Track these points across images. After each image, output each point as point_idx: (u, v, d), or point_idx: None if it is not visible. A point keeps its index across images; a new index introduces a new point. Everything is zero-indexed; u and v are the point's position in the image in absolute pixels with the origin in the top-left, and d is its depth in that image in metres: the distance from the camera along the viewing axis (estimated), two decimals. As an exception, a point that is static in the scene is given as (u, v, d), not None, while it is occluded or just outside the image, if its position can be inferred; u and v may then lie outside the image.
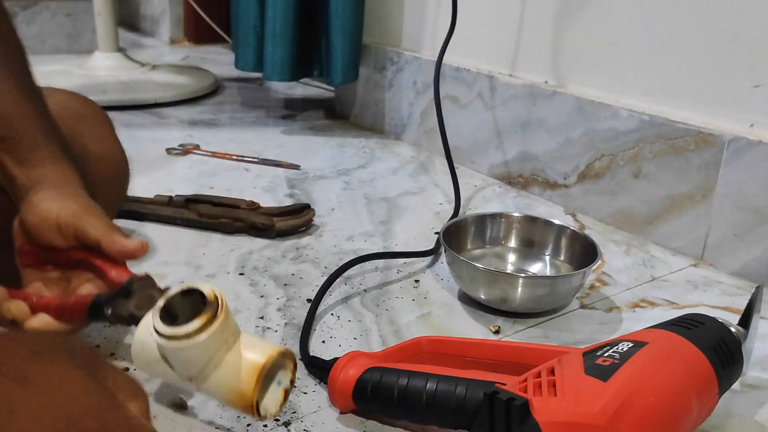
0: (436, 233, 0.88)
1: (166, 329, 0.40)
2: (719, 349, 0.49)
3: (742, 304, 0.73)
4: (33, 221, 0.52)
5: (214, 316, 0.41)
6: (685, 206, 0.84)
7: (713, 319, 0.52)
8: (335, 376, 0.53)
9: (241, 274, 0.76)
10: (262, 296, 0.71)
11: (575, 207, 0.98)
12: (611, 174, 0.92)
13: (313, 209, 0.89)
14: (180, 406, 0.54)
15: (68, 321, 0.50)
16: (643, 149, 0.87)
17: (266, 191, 1.01)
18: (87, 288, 0.53)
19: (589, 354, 0.48)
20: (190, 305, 0.42)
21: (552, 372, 0.46)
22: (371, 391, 0.51)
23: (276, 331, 0.65)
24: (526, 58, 1.04)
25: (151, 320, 0.42)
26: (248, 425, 0.52)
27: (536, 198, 1.03)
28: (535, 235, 0.79)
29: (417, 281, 0.76)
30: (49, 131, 0.58)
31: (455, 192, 0.97)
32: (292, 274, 0.76)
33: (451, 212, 0.94)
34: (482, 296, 0.70)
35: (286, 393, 0.44)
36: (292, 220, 0.86)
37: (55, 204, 0.52)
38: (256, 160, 1.13)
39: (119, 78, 1.55)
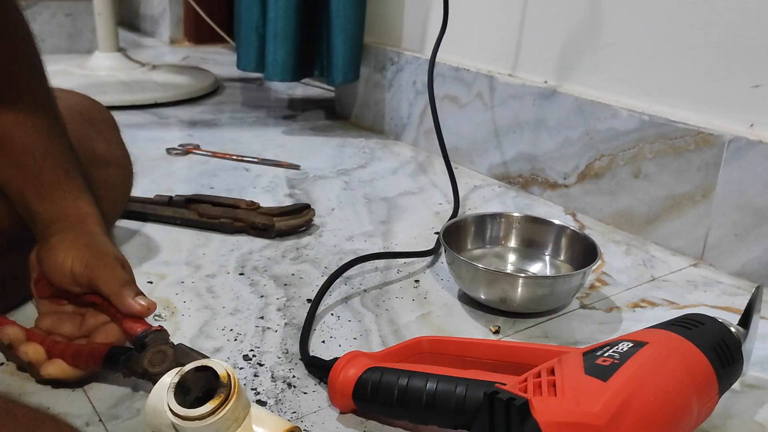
0: (436, 233, 0.88)
1: (180, 410, 0.43)
2: (719, 349, 0.49)
3: (742, 304, 0.73)
4: (49, 267, 0.54)
5: (227, 398, 0.43)
6: (685, 206, 0.84)
7: (713, 319, 0.52)
8: (335, 376, 0.53)
9: (241, 274, 0.76)
10: (262, 296, 0.71)
11: (575, 207, 0.98)
12: (611, 174, 0.92)
13: (313, 209, 0.89)
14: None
15: (82, 367, 0.53)
16: (643, 149, 0.87)
17: (266, 191, 1.01)
18: (102, 333, 0.55)
19: (589, 354, 0.48)
20: (202, 379, 0.45)
21: (552, 372, 0.46)
22: (371, 391, 0.51)
23: (276, 331, 0.65)
24: (526, 58, 1.04)
25: (165, 395, 0.44)
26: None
27: (536, 198, 1.03)
28: (535, 235, 0.79)
29: (417, 281, 0.76)
30: (71, 163, 0.60)
31: (454, 192, 0.97)
32: (292, 274, 0.76)
33: (451, 212, 0.94)
34: (482, 296, 0.70)
35: None
36: (292, 220, 0.86)
37: (70, 253, 0.53)
38: (256, 160, 1.13)
39: (119, 78, 1.55)
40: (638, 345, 0.48)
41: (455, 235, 0.77)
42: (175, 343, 0.50)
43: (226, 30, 1.99)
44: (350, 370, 0.52)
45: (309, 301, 0.70)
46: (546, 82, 1.01)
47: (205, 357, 0.48)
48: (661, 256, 0.85)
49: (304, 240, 0.85)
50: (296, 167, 1.11)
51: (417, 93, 1.22)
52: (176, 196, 0.90)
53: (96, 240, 0.56)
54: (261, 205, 0.89)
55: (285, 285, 0.74)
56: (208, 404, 0.42)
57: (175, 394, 0.43)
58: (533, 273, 0.77)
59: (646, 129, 0.86)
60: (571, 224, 0.89)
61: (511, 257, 0.80)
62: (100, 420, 0.52)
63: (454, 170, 0.99)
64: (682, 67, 0.84)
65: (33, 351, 0.51)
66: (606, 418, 0.41)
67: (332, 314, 0.68)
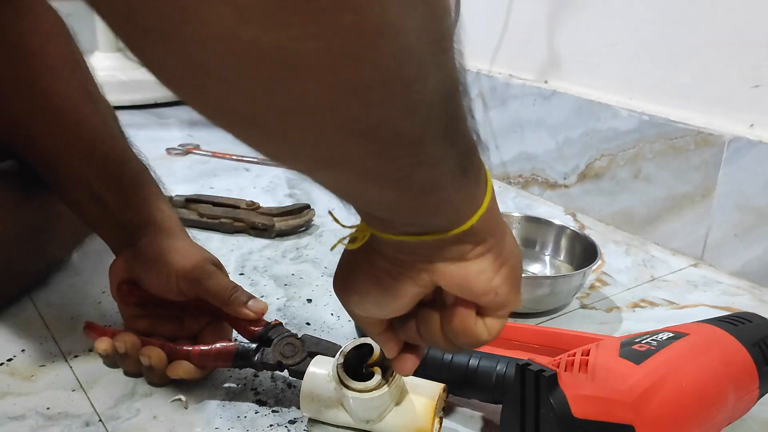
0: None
1: (358, 384, 0.47)
2: (764, 345, 0.49)
3: (742, 304, 0.73)
4: (151, 281, 0.55)
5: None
6: (685, 206, 0.84)
7: (762, 318, 0.53)
8: None
9: (241, 274, 0.76)
10: (262, 296, 0.71)
11: (575, 207, 0.98)
12: (611, 174, 0.92)
13: (313, 209, 0.89)
14: (180, 406, 0.54)
15: (209, 367, 0.55)
16: (643, 149, 0.87)
17: (266, 191, 1.01)
18: (211, 333, 0.57)
19: (628, 341, 0.49)
20: (357, 357, 0.49)
21: (587, 354, 0.47)
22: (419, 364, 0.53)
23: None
24: (526, 58, 1.04)
25: (322, 373, 0.50)
26: (248, 425, 0.52)
27: (536, 198, 1.03)
28: (535, 235, 0.79)
29: (417, 281, 0.76)
30: (146, 170, 0.61)
31: None
32: (292, 274, 0.76)
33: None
34: (482, 296, 0.70)
35: (441, 420, 0.51)
36: (292, 220, 0.86)
37: (173, 269, 0.54)
38: (256, 160, 1.13)
39: (119, 78, 1.55)
40: (678, 336, 0.48)
41: (455, 235, 0.77)
42: (299, 335, 0.54)
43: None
44: None
45: (309, 301, 0.70)
46: (546, 82, 1.01)
47: (334, 344, 0.52)
48: (661, 256, 0.85)
49: (304, 240, 0.85)
50: (296, 167, 1.11)
51: (417, 93, 1.22)
52: (176, 196, 0.90)
53: (190, 248, 0.56)
54: (261, 205, 0.89)
55: (285, 285, 0.74)
56: (377, 375, 0.46)
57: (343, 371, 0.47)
58: (533, 273, 0.77)
59: (646, 129, 0.86)
60: (571, 224, 0.89)
61: (511, 257, 0.80)
62: (100, 420, 0.52)
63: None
64: (682, 67, 0.84)
65: (156, 355, 0.53)
66: (634, 396, 0.42)
67: (332, 314, 0.68)
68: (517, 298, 0.38)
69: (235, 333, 0.58)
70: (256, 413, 0.53)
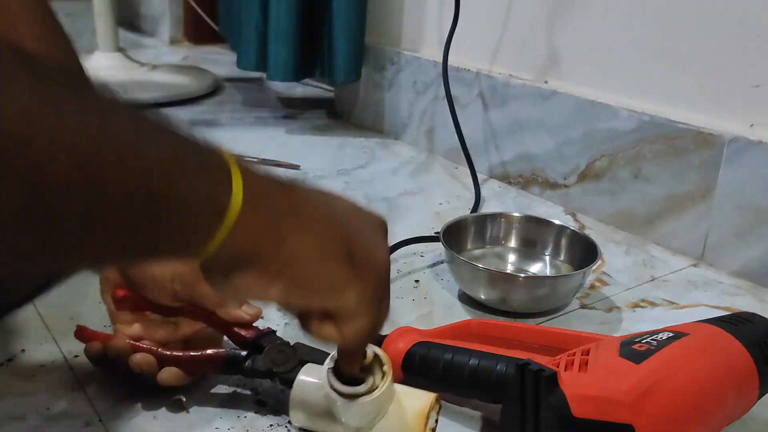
0: (436, 233, 0.87)
1: (347, 389, 0.46)
2: (764, 345, 0.49)
3: (742, 304, 0.73)
4: (146, 285, 0.54)
5: (385, 373, 0.47)
6: (685, 206, 0.84)
7: (762, 318, 0.53)
8: (386, 347, 0.55)
9: (241, 274, 0.76)
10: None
11: (575, 207, 0.98)
12: (611, 174, 0.92)
13: (313, 209, 0.89)
14: (180, 406, 0.54)
15: (198, 374, 0.55)
16: (643, 149, 0.87)
17: (266, 191, 1.00)
18: (202, 339, 0.56)
19: (628, 340, 0.49)
20: None
21: (587, 353, 0.47)
22: (419, 364, 0.54)
23: (276, 331, 0.65)
24: (526, 58, 1.04)
25: (312, 381, 0.49)
26: (248, 425, 0.52)
27: (536, 198, 1.03)
28: (535, 235, 0.79)
29: (417, 281, 0.76)
30: None
31: (474, 183, 1.00)
32: (292, 274, 0.76)
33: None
34: (482, 296, 0.70)
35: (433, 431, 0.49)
36: (292, 220, 0.86)
37: (167, 271, 0.53)
38: (256, 160, 1.13)
39: (119, 78, 1.55)
40: (678, 335, 0.48)
41: (455, 235, 0.77)
42: (291, 343, 0.54)
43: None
44: (400, 343, 0.55)
45: (309, 301, 0.70)
46: (546, 82, 1.01)
47: (327, 353, 0.50)
48: (661, 256, 0.85)
49: (304, 240, 0.85)
50: (296, 167, 1.11)
51: (417, 93, 1.22)
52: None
53: None
54: (261, 205, 0.89)
55: (285, 285, 0.73)
56: (369, 380, 0.46)
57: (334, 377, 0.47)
58: (533, 273, 0.77)
59: (646, 129, 0.86)
60: (571, 224, 0.89)
61: (511, 257, 0.80)
62: (100, 420, 0.52)
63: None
64: (682, 67, 0.84)
65: (146, 361, 0.52)
66: (633, 396, 0.42)
67: (332, 314, 0.68)
68: (321, 303, 0.40)
69: (226, 340, 0.57)
70: (256, 413, 0.53)
